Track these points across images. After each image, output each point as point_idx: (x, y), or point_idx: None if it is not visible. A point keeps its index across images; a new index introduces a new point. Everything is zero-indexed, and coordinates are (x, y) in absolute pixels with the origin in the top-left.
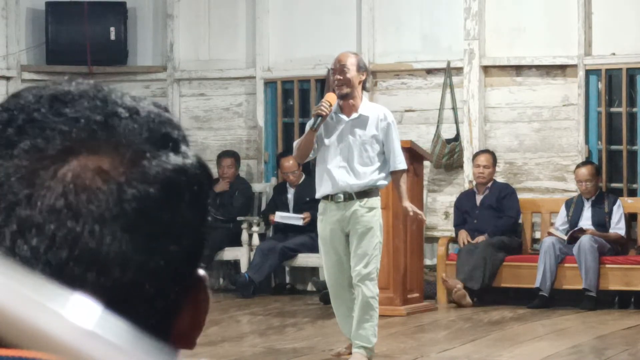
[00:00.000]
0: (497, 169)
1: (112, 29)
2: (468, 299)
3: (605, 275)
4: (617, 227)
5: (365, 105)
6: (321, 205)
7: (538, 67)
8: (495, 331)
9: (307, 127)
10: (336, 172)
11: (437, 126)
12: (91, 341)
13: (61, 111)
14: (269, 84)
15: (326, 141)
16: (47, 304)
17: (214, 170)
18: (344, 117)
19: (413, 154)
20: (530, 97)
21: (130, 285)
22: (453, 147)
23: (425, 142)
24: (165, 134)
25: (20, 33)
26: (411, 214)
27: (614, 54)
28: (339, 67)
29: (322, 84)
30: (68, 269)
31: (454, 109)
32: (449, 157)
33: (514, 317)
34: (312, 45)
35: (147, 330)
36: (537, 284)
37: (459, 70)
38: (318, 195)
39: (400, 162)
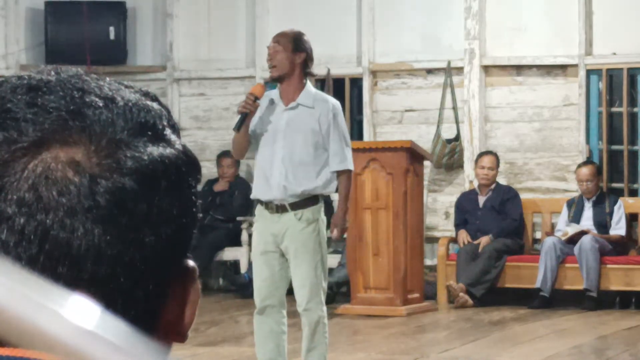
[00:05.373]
0: (498, 169)
1: (111, 28)
2: (470, 302)
3: (606, 276)
4: (618, 227)
5: (308, 94)
6: (257, 210)
7: (539, 67)
8: (495, 331)
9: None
10: (271, 172)
11: (438, 126)
12: (91, 341)
13: (35, 102)
14: (269, 84)
15: (261, 133)
16: (46, 303)
17: (214, 170)
18: (281, 105)
19: (413, 154)
20: (530, 96)
21: (105, 278)
22: (453, 147)
23: (425, 142)
24: (143, 123)
25: (20, 33)
26: (333, 234)
27: (614, 53)
28: (270, 47)
29: (322, 84)
30: (39, 263)
31: (455, 108)
32: (450, 157)
33: (514, 318)
34: (312, 45)
35: (128, 320)
36: (537, 284)
37: (460, 70)
38: (252, 195)
39: (342, 161)
